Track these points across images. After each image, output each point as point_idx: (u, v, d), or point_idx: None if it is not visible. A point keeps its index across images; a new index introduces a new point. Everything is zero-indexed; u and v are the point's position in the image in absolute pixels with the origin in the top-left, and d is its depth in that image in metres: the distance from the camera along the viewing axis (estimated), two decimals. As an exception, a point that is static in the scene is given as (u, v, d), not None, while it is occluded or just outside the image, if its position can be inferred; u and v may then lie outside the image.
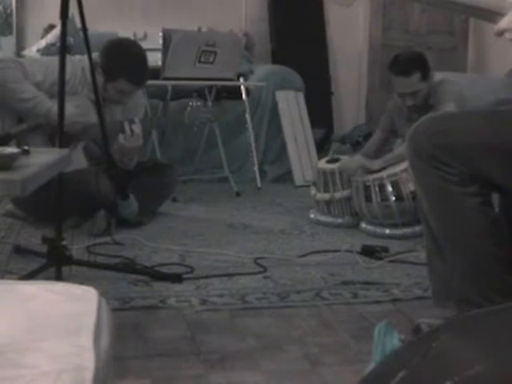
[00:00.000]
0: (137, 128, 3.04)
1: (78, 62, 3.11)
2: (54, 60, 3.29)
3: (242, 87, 4.46)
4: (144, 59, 3.15)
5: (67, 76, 2.93)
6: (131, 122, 3.06)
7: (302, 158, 4.67)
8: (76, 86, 3.08)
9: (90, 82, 3.12)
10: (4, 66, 2.97)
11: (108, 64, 3.11)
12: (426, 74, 3.27)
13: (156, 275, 2.44)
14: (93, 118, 3.10)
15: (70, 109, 2.73)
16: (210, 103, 4.22)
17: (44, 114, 2.96)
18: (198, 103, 4.11)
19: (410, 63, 3.28)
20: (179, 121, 4.15)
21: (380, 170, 3.22)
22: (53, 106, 2.87)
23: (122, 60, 3.12)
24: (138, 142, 3.08)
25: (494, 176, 1.65)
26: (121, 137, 3.03)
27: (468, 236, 1.70)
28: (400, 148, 3.26)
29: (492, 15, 1.47)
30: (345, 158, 3.46)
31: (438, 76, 3.42)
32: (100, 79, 3.04)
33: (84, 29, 2.43)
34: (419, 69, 3.26)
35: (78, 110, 3.01)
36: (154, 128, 3.85)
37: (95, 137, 3.05)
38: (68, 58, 3.17)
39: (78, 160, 3.05)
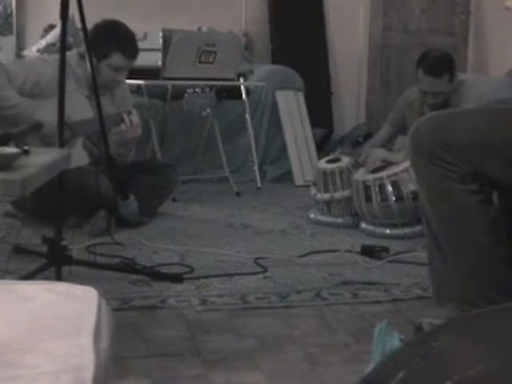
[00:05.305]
0: (135, 118, 3.06)
1: None
2: (37, 60, 3.29)
3: (242, 87, 4.46)
4: (133, 35, 3.25)
5: (49, 75, 2.94)
6: (129, 112, 3.07)
7: (302, 158, 4.67)
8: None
9: (79, 75, 3.13)
10: None
11: (101, 41, 3.12)
12: (453, 76, 3.26)
13: (156, 275, 2.44)
14: (88, 113, 3.09)
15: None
16: (207, 89, 4.19)
17: (26, 119, 2.97)
18: (196, 89, 4.10)
19: (441, 64, 3.25)
20: (179, 108, 4.15)
21: (382, 169, 3.22)
22: (32, 114, 2.93)
23: (114, 35, 3.18)
24: (137, 131, 3.10)
25: (493, 174, 1.65)
26: (122, 127, 3.04)
27: (468, 234, 1.69)
28: None
29: None
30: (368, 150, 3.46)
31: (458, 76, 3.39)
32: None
33: (84, 29, 2.43)
34: (448, 71, 3.25)
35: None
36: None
37: (89, 133, 3.06)
38: (51, 56, 3.18)
39: (79, 156, 3.04)
